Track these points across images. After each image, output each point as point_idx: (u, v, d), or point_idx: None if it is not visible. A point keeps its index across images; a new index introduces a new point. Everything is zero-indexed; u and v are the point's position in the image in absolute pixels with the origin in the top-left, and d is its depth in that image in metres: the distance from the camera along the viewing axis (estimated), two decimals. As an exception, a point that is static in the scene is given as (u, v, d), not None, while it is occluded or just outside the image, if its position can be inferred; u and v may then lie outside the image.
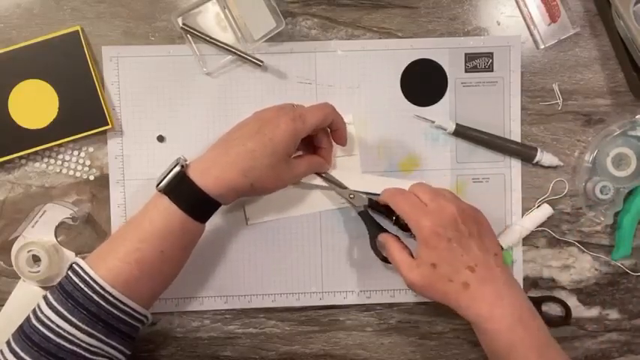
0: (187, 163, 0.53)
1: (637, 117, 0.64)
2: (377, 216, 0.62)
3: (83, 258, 0.52)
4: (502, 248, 0.63)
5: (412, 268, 0.53)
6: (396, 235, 0.58)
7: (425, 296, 0.54)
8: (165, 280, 0.55)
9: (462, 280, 0.52)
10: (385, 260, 0.59)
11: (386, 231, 0.60)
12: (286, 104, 0.57)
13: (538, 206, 0.64)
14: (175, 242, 0.52)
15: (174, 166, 0.52)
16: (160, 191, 0.52)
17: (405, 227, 0.61)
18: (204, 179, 0.52)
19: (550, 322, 0.64)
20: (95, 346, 0.49)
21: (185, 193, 0.52)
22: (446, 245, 0.52)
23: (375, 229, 0.60)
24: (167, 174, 0.52)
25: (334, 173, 0.63)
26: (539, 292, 0.65)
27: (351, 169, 0.64)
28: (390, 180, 0.63)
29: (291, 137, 0.54)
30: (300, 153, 0.61)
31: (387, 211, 0.60)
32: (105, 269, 0.50)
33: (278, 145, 0.53)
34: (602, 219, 0.64)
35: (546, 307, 0.65)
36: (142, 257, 0.51)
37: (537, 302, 0.64)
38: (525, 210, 0.64)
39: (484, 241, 0.54)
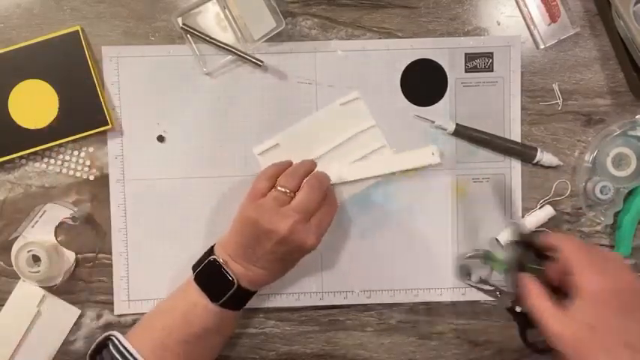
0: (227, 264, 0.55)
1: (637, 117, 0.64)
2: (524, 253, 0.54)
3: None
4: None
5: (561, 319, 0.47)
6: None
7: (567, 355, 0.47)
8: None
9: (617, 356, 0.45)
10: (540, 351, 0.54)
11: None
12: (295, 212, 0.53)
13: (540, 207, 0.64)
14: (224, 334, 0.59)
15: (229, 284, 0.54)
16: (219, 306, 0.55)
17: (552, 284, 0.52)
18: (255, 287, 0.56)
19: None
20: None
21: (239, 300, 0.56)
22: (614, 312, 0.46)
23: (524, 322, 0.54)
24: (225, 291, 0.54)
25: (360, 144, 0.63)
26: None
27: (373, 143, 0.64)
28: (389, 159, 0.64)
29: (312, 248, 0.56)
30: None
31: (536, 255, 0.53)
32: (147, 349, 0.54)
33: (302, 251, 0.55)
34: (602, 219, 0.64)
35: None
36: (191, 353, 0.56)
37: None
38: (525, 210, 0.64)
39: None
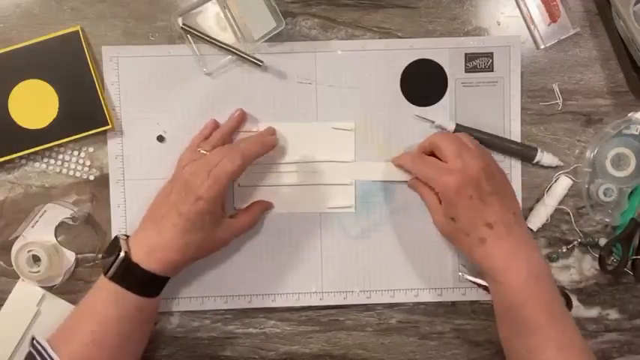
0: (127, 240, 0.55)
1: (629, 115, 0.64)
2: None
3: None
4: (554, 257, 0.65)
5: (439, 213, 0.57)
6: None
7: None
8: (130, 356, 0.56)
9: (479, 235, 0.54)
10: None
11: None
12: (201, 159, 0.56)
13: (556, 180, 0.64)
14: (133, 322, 0.54)
15: (118, 253, 0.53)
16: (109, 279, 0.53)
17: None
18: (149, 262, 0.53)
19: None
20: None
21: (135, 278, 0.54)
22: (466, 202, 0.54)
23: None
24: (112, 262, 0.53)
25: (329, 170, 0.63)
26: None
27: (346, 176, 0.64)
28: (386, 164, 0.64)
29: (212, 205, 0.54)
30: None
31: None
32: (67, 353, 0.51)
33: (203, 218, 0.54)
34: (608, 220, 0.64)
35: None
36: (100, 340, 0.52)
37: None
38: (525, 210, 0.64)
39: (505, 198, 0.55)
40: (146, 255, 0.54)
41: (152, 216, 0.56)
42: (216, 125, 0.62)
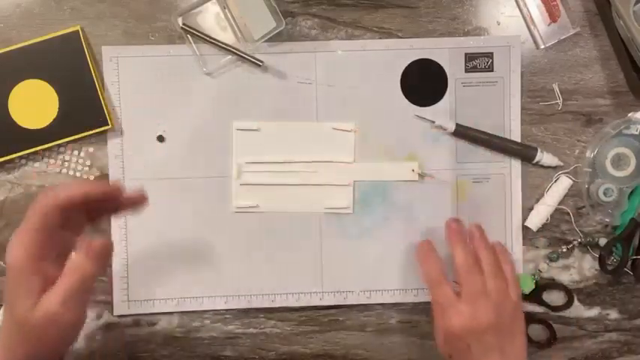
0: None
1: (629, 115, 0.64)
2: None
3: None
4: (554, 257, 0.64)
5: (439, 335, 0.55)
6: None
7: None
8: None
9: None
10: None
11: None
12: None
13: (556, 180, 0.64)
14: None
15: None
16: None
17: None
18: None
19: (534, 344, 0.64)
20: None
21: None
22: (463, 350, 0.53)
23: None
24: None
25: (328, 171, 0.63)
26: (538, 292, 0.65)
27: (345, 177, 0.64)
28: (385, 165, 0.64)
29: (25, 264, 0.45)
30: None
31: None
32: None
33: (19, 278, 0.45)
34: (608, 220, 0.64)
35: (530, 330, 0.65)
36: None
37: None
38: (526, 210, 0.64)
39: (506, 356, 0.53)
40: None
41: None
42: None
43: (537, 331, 0.65)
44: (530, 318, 0.64)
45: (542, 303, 0.64)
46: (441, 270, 0.55)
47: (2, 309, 0.46)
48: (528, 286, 0.63)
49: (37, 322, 0.44)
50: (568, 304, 0.65)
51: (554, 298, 0.65)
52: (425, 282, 0.56)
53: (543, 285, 0.65)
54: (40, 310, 0.44)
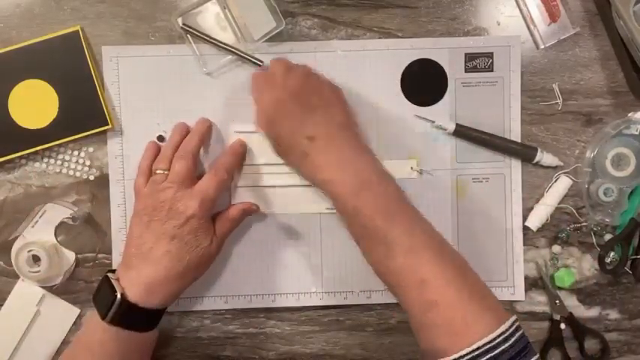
0: (118, 280, 0.52)
1: (629, 115, 0.64)
2: None
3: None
4: (555, 257, 0.64)
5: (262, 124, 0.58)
6: None
7: None
8: None
9: (300, 149, 0.54)
10: None
11: None
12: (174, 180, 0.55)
13: (556, 180, 0.64)
14: (134, 355, 0.54)
15: (113, 297, 0.51)
16: (108, 323, 0.51)
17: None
18: (150, 300, 0.52)
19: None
20: None
21: (135, 318, 0.52)
22: (286, 118, 0.55)
23: None
24: (109, 305, 0.51)
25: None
26: (539, 292, 0.65)
27: None
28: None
29: (203, 221, 0.54)
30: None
31: None
32: None
33: (197, 236, 0.54)
34: (608, 220, 0.64)
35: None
36: None
37: (577, 336, 0.65)
38: (526, 210, 0.64)
39: (329, 111, 0.55)
40: (146, 293, 0.52)
41: (137, 251, 0.54)
42: (177, 136, 0.60)
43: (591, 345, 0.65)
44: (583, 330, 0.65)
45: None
46: None
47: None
48: (569, 280, 0.63)
49: (214, 252, 0.57)
50: (604, 354, 0.65)
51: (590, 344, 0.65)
52: None
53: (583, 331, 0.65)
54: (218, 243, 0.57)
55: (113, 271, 0.56)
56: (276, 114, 0.55)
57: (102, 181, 0.63)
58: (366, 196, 0.51)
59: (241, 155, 0.61)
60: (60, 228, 0.63)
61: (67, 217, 0.62)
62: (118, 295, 0.51)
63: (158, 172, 0.56)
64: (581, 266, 0.65)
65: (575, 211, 0.65)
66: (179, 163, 0.56)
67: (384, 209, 0.51)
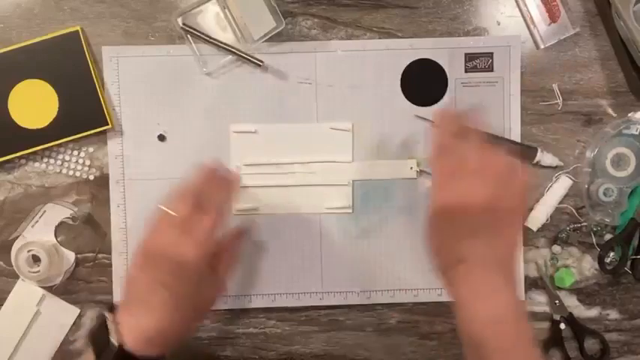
0: (115, 324, 0.49)
1: (629, 115, 0.64)
2: None
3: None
4: (555, 257, 0.65)
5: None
6: None
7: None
8: None
9: (452, 264, 0.48)
10: None
11: None
12: (172, 226, 0.50)
13: (556, 180, 0.64)
14: None
15: (110, 345, 0.48)
16: None
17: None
18: (148, 349, 0.48)
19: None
20: None
21: None
22: (449, 226, 0.48)
23: None
24: (104, 350, 0.48)
25: (327, 171, 0.63)
26: (539, 292, 0.65)
27: (344, 177, 0.64)
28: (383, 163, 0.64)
29: (199, 267, 0.49)
30: None
31: None
32: None
33: (191, 281, 0.49)
34: (608, 220, 0.64)
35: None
36: None
37: (577, 336, 0.65)
38: (526, 210, 0.64)
39: (496, 236, 0.48)
40: (144, 343, 0.48)
41: (134, 298, 0.50)
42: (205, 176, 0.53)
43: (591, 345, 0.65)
44: (583, 330, 0.65)
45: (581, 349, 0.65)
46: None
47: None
48: (569, 280, 0.64)
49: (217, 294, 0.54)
50: (603, 355, 0.65)
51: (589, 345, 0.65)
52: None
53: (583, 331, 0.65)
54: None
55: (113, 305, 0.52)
56: (443, 221, 0.49)
57: (102, 181, 0.63)
58: (493, 333, 0.46)
59: (233, 190, 0.55)
60: (60, 228, 0.63)
61: (66, 217, 0.62)
62: (115, 343, 0.48)
63: (163, 209, 0.51)
64: (581, 266, 0.65)
65: (575, 211, 0.65)
66: (178, 204, 0.50)
67: (507, 352, 0.46)
